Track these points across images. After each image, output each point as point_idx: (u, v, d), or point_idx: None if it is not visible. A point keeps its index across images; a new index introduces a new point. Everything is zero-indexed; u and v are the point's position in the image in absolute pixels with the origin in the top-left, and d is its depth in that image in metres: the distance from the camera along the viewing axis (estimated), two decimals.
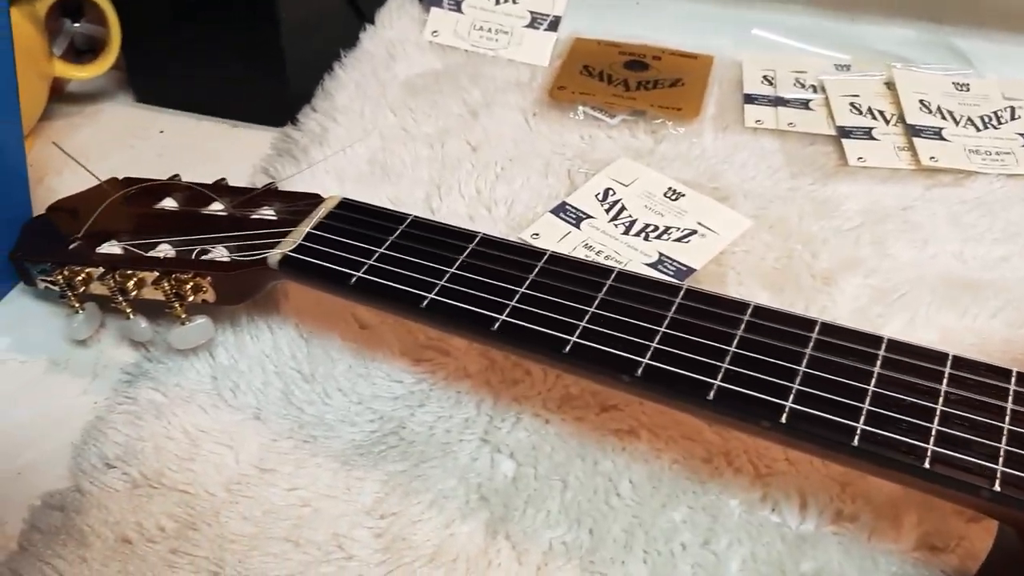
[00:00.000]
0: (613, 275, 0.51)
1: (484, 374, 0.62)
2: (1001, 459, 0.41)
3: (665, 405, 0.48)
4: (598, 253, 0.69)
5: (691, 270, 0.68)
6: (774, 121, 0.83)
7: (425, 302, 0.50)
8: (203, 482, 0.55)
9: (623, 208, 0.73)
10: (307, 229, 0.56)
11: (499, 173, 0.77)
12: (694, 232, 0.71)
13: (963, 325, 0.65)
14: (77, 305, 0.61)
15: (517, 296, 0.50)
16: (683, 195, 0.74)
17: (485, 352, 0.62)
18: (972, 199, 0.75)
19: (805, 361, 0.46)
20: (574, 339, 0.48)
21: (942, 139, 0.79)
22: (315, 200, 0.59)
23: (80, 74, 0.83)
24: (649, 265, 0.68)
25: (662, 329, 0.48)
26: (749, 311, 0.49)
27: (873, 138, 0.80)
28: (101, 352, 0.64)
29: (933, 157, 0.77)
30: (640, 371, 0.46)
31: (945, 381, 0.45)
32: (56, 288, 0.60)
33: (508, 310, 0.50)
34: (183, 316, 0.57)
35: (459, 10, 0.93)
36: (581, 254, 0.69)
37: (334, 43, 0.88)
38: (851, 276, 0.69)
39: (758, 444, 0.57)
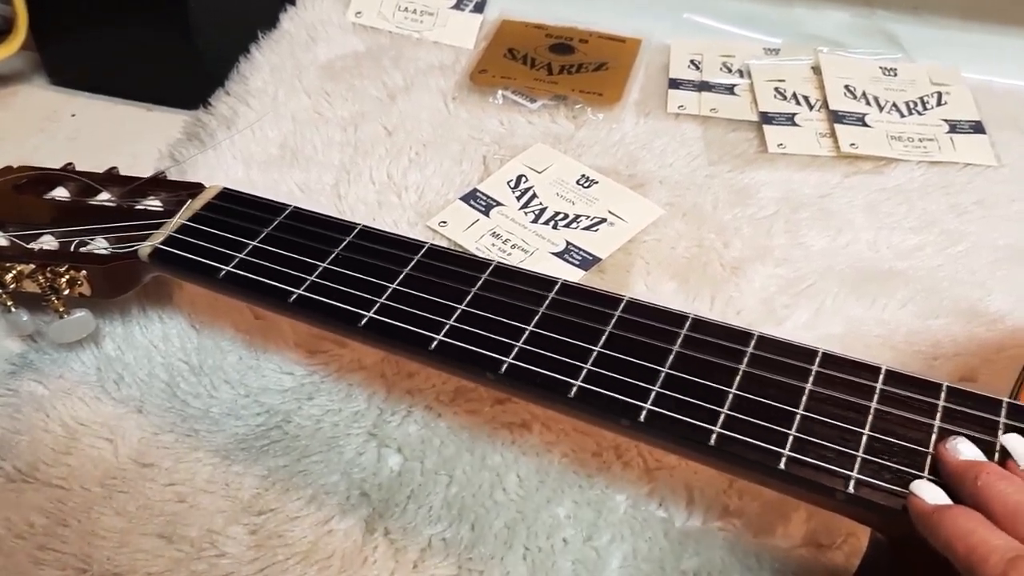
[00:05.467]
0: (489, 269, 0.50)
1: (379, 366, 0.61)
2: (858, 462, 0.40)
3: (529, 402, 0.47)
4: (505, 242, 0.68)
5: (596, 259, 0.67)
6: (697, 107, 0.81)
7: (293, 297, 0.49)
8: (78, 476, 0.54)
9: (534, 196, 0.72)
10: (182, 221, 0.54)
11: (412, 159, 0.76)
12: (604, 220, 0.70)
13: (870, 316, 0.64)
14: None
15: (388, 292, 0.49)
16: (596, 183, 0.73)
17: None
18: (891, 187, 0.74)
19: (669, 360, 0.45)
20: (440, 337, 0.47)
21: (865, 125, 0.78)
22: (196, 190, 0.57)
23: None
24: (556, 254, 0.67)
25: (529, 328, 0.47)
26: (621, 306, 0.48)
27: (795, 124, 0.79)
28: None
29: (853, 144, 0.76)
30: (504, 369, 0.45)
31: (812, 379, 0.44)
32: None
33: (376, 307, 0.48)
34: (61, 310, 0.56)
35: None
36: (487, 243, 0.68)
37: (253, 25, 0.86)
38: (761, 266, 0.68)
39: None
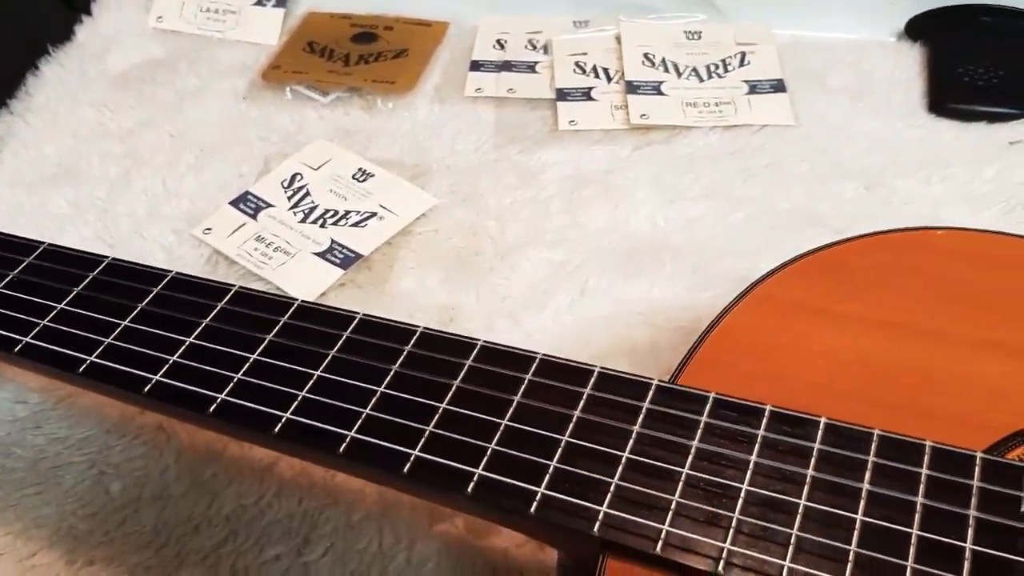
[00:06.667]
0: (228, 296, 0.46)
1: None
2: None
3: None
4: (268, 245, 0.66)
5: (359, 256, 0.65)
6: (495, 88, 0.79)
7: (19, 347, 0.45)
8: None
9: (307, 194, 0.69)
10: None
11: (191, 164, 0.73)
12: (373, 215, 0.67)
13: (638, 293, 0.62)
14: None
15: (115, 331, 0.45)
16: (372, 175, 0.70)
17: None
18: (682, 156, 0.71)
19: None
20: (156, 377, 0.43)
21: (660, 94, 0.75)
22: None
23: None
24: (318, 254, 0.65)
25: (253, 357, 0.43)
26: (353, 325, 0.44)
27: (591, 99, 0.76)
28: None
29: (644, 114, 0.73)
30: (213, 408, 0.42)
31: (522, 391, 0.40)
32: None
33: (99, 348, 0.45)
34: None
35: None
36: (249, 248, 0.66)
37: (42, 37, 0.83)
38: (533, 250, 0.65)
39: None
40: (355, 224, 0.67)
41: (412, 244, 0.66)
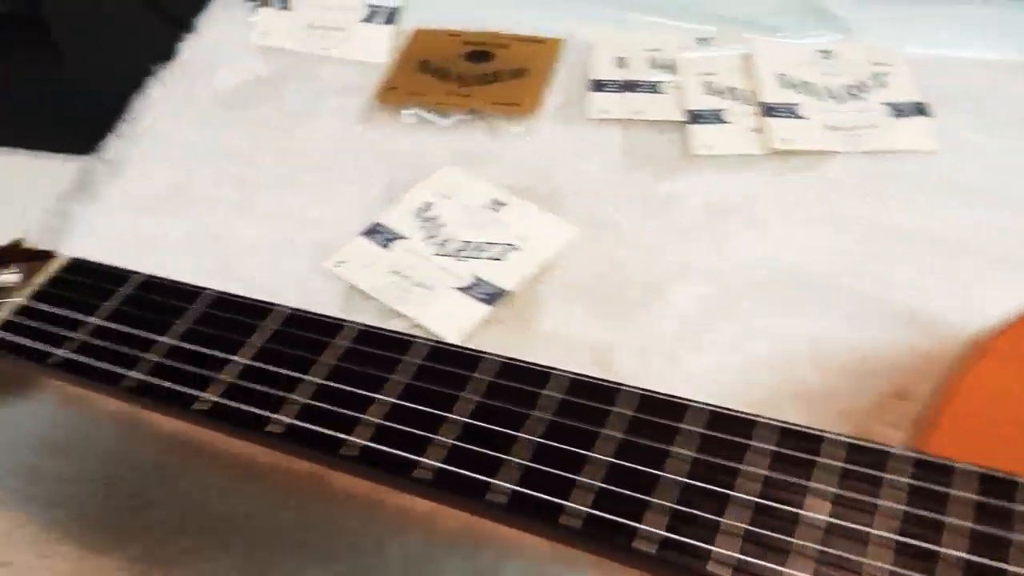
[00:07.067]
0: (354, 334, 0.45)
1: None
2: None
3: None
4: (405, 279, 0.63)
5: (503, 292, 0.62)
6: (620, 110, 0.76)
7: (126, 382, 0.44)
8: None
9: (441, 224, 0.67)
10: (21, 300, 0.50)
11: (314, 192, 0.71)
12: (512, 247, 0.65)
13: (797, 331, 0.59)
14: None
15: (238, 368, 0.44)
16: (505, 204, 0.68)
17: None
18: (826, 183, 0.68)
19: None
20: (290, 421, 0.42)
21: (798, 117, 0.72)
22: (43, 261, 0.53)
23: None
24: (460, 290, 0.62)
25: (392, 400, 0.41)
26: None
27: (724, 121, 0.73)
28: None
29: (785, 139, 0.70)
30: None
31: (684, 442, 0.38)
32: None
33: (219, 387, 0.43)
34: None
35: (287, 7, 0.86)
36: (387, 282, 0.63)
37: (147, 57, 0.81)
38: (682, 284, 0.62)
39: None
40: (494, 257, 0.64)
41: (553, 277, 0.63)
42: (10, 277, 0.54)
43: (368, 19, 0.85)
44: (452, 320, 0.60)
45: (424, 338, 0.44)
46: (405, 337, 0.44)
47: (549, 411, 0.39)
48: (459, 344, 0.45)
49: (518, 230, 0.66)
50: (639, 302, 0.62)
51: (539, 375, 0.41)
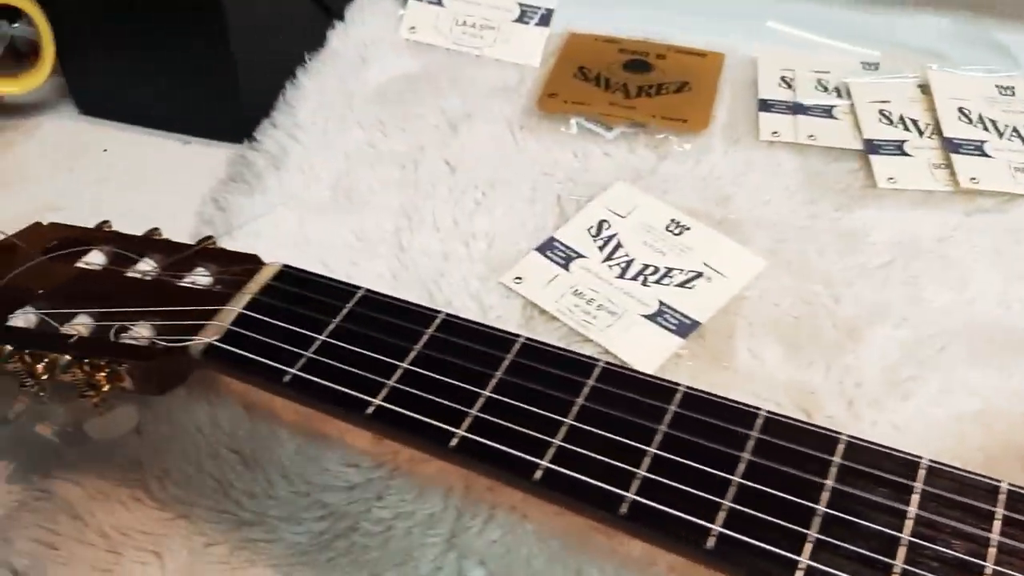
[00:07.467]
0: (596, 372, 0.43)
1: None
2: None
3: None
4: (589, 302, 0.61)
5: (695, 323, 0.59)
6: (793, 133, 0.73)
7: (372, 408, 0.42)
8: None
9: (619, 245, 0.64)
10: (238, 309, 0.47)
11: (479, 200, 0.68)
12: (699, 275, 0.62)
13: (1004, 387, 0.57)
14: None
15: (479, 402, 0.42)
16: (687, 228, 0.65)
17: None
18: (1019, 228, 0.66)
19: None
20: (544, 463, 0.39)
21: (984, 155, 0.69)
22: (252, 266, 0.50)
23: (10, 89, 0.74)
24: (647, 317, 0.60)
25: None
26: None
27: (905, 153, 0.70)
28: (16, 425, 0.56)
29: (974, 178, 0.68)
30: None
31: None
32: None
33: (467, 422, 0.41)
34: (100, 405, 0.49)
35: (439, 3, 0.83)
36: (569, 304, 0.61)
37: (298, 44, 0.78)
38: (879, 326, 0.60)
39: None
40: (680, 284, 0.61)
41: (743, 311, 0.61)
42: (201, 279, 0.52)
43: (520, 19, 0.82)
44: (643, 350, 0.58)
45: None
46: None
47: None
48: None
49: (704, 257, 0.63)
50: (835, 344, 0.59)
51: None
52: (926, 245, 0.65)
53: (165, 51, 0.71)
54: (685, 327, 0.59)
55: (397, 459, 0.53)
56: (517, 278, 0.62)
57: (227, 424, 0.55)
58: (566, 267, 0.63)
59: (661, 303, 0.60)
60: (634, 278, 0.62)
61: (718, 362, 0.58)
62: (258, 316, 0.47)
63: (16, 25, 0.80)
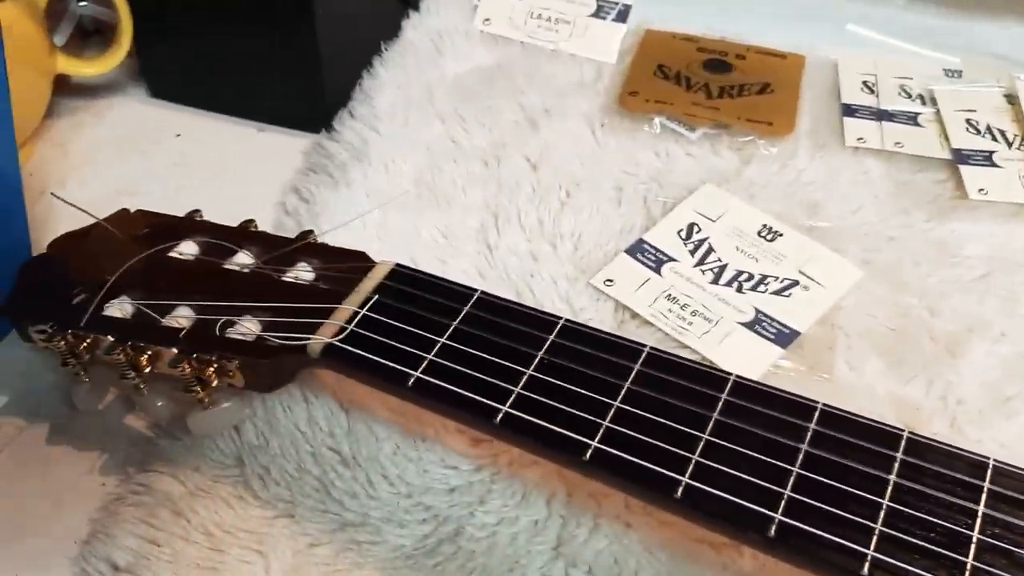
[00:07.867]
0: (729, 385, 0.42)
1: None
2: None
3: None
4: (684, 308, 0.60)
5: (795, 333, 0.58)
6: (879, 139, 0.72)
7: (500, 416, 0.41)
8: None
9: (711, 249, 0.63)
10: (354, 308, 0.46)
11: (564, 199, 0.67)
12: (796, 283, 0.61)
13: None
14: (82, 373, 0.52)
15: (610, 413, 0.41)
16: (780, 235, 0.64)
17: None
18: None
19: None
20: (685, 480, 0.38)
21: None
22: (363, 264, 0.49)
23: (86, 70, 0.73)
24: (744, 324, 0.59)
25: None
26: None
27: (995, 164, 0.69)
28: (111, 419, 0.55)
29: None
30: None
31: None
32: (57, 351, 0.51)
33: (601, 432, 0.40)
34: (205, 400, 0.48)
35: None
36: (662, 308, 0.60)
37: (375, 34, 0.77)
38: (978, 341, 0.59)
39: None
40: (777, 292, 0.60)
41: (840, 322, 0.60)
42: (304, 275, 0.51)
43: (596, 14, 0.81)
44: (743, 359, 0.57)
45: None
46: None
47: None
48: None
49: (799, 265, 0.62)
50: (934, 358, 0.58)
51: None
52: (1022, 259, 0.64)
53: (246, 38, 0.70)
54: (784, 337, 0.58)
55: (497, 462, 0.53)
56: (608, 280, 0.61)
57: (324, 423, 0.54)
58: (657, 270, 0.62)
59: (758, 311, 0.59)
60: (728, 284, 0.61)
61: (816, 374, 0.57)
62: (376, 316, 0.46)
63: (84, 3, 0.79)
